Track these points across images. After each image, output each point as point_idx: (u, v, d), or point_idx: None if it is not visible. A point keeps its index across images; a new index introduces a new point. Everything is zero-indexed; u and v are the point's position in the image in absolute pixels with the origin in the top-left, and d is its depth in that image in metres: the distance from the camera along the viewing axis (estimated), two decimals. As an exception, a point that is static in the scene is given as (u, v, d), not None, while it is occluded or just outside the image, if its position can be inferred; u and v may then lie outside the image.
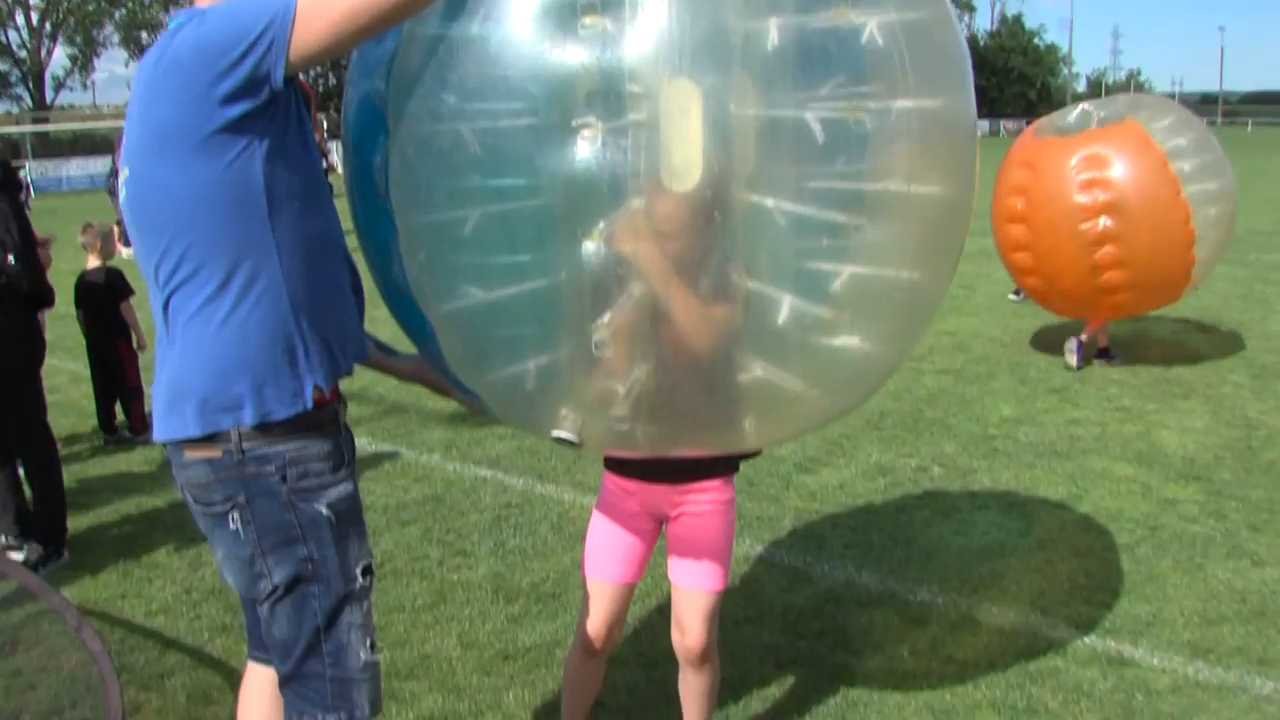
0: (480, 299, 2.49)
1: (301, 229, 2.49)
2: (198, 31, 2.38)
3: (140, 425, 7.82)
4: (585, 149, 2.30)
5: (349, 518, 2.62)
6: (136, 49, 63.93)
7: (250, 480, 2.51)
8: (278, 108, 2.43)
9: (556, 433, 2.64)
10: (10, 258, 5.41)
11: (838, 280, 2.50)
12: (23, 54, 65.10)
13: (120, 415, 7.97)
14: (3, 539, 5.56)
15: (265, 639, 2.73)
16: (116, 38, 68.21)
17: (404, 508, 6.29)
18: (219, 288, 2.43)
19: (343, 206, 2.74)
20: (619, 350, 2.45)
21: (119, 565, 5.52)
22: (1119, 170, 8.50)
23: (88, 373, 8.17)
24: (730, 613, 4.71)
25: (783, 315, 2.46)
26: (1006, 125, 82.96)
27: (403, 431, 7.89)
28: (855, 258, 2.51)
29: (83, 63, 69.45)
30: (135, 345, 7.97)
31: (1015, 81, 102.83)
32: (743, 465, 3.43)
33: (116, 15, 66.99)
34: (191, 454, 2.54)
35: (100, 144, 45.88)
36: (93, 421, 8.09)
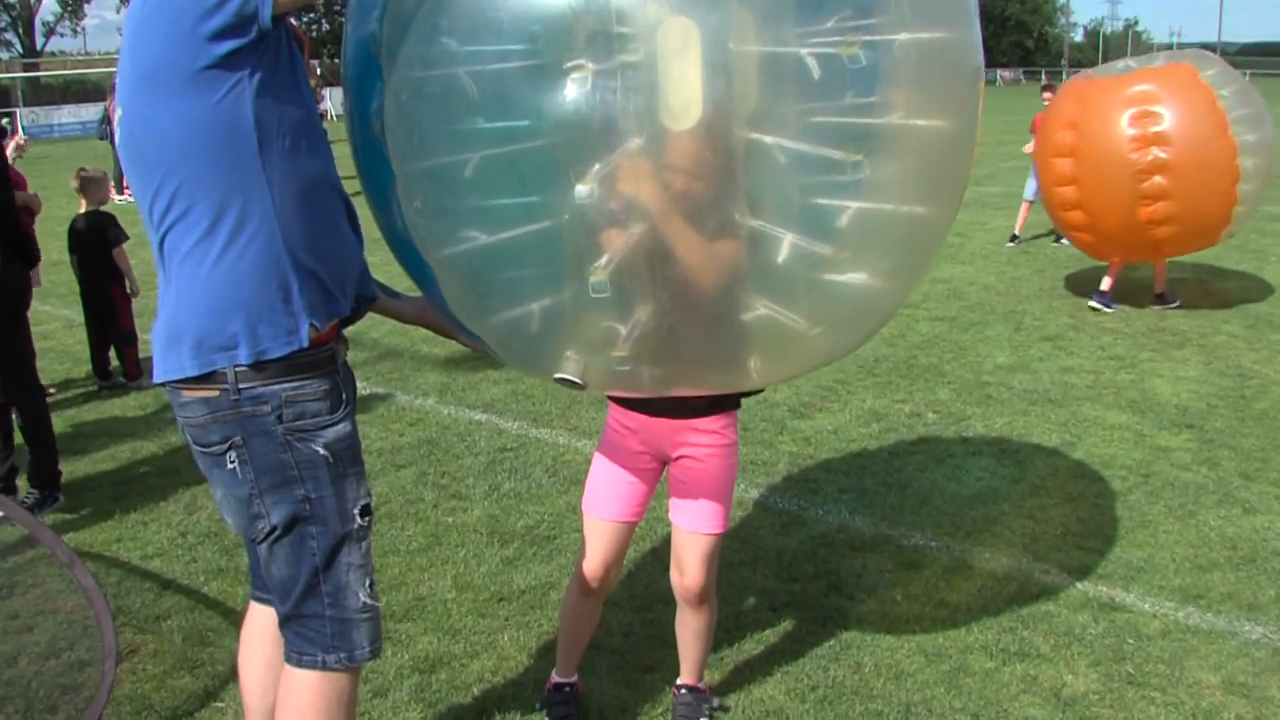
0: (478, 243, 2.48)
1: (294, 167, 2.48)
2: None
3: (134, 371, 7.81)
4: (581, 90, 2.26)
5: (347, 458, 2.62)
6: (126, -6, 63.27)
7: (247, 420, 2.51)
8: (267, 46, 2.40)
9: (559, 374, 2.63)
10: None
11: (842, 216, 2.48)
12: (12, 0, 64.43)
13: (115, 361, 7.96)
14: None
15: (265, 579, 2.74)
16: (107, -17, 67.49)
17: (399, 451, 6.30)
18: (211, 226, 2.42)
19: (344, 150, 2.73)
20: (620, 291, 2.43)
21: (114, 509, 5.53)
22: (1170, 105, 8.79)
23: (81, 319, 8.15)
24: (725, 556, 4.73)
25: (787, 252, 2.44)
26: (1003, 74, 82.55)
27: (397, 375, 7.89)
28: (859, 193, 2.48)
29: (73, 8, 68.79)
30: (129, 290, 7.94)
31: (1012, 30, 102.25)
32: (738, 410, 3.43)
33: (107, -40, 66.23)
34: (189, 394, 2.54)
35: (92, 91, 45.52)
36: (87, 367, 8.08)
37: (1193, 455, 6.14)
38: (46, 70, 56.67)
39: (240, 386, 2.48)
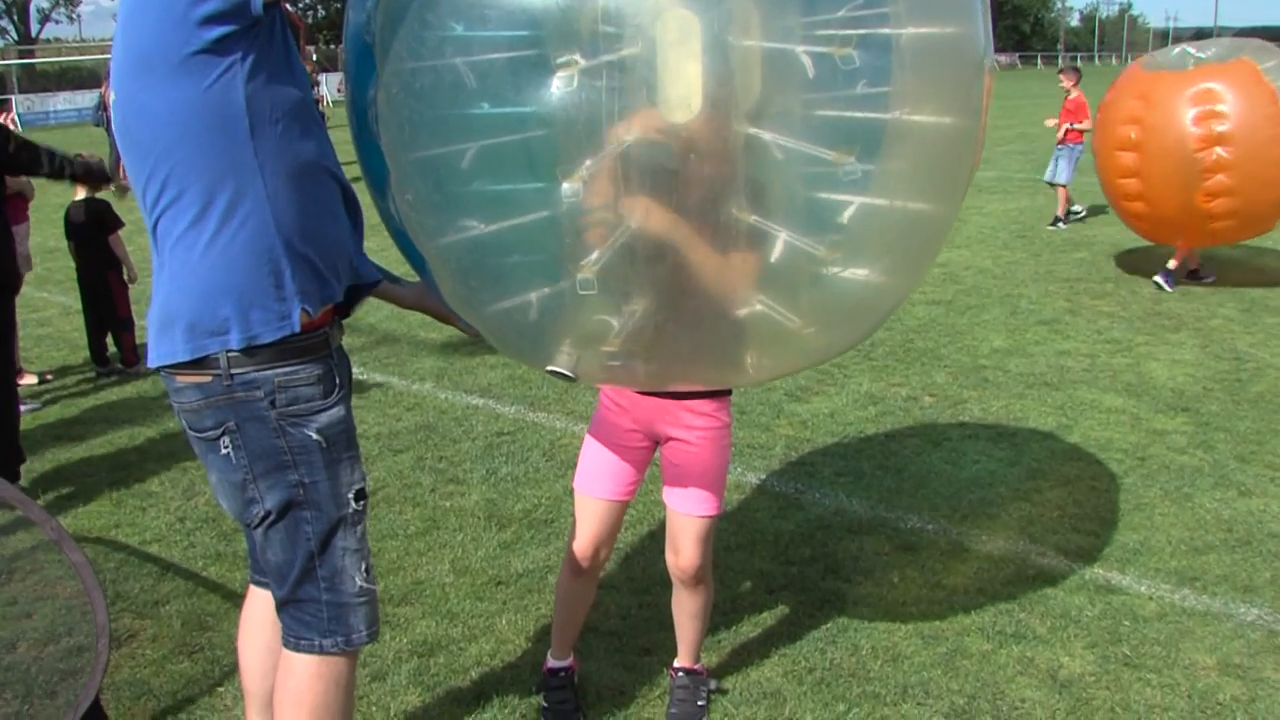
0: (468, 235, 2.46)
1: (287, 152, 2.47)
2: None
3: (132, 357, 7.80)
4: (573, 83, 2.23)
5: (341, 443, 2.62)
6: (121, -20, 62.89)
7: (240, 405, 2.51)
8: (259, 31, 2.40)
9: (552, 366, 2.63)
10: None
11: (843, 212, 2.44)
12: (8, -13, 64.24)
13: (112, 347, 7.95)
14: None
15: (261, 564, 2.75)
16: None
17: (396, 436, 6.31)
18: (202, 210, 2.42)
19: (347, 135, 2.72)
20: (611, 287, 2.42)
21: (112, 495, 5.53)
22: (1233, 104, 9.08)
23: (79, 305, 8.14)
24: (721, 539, 4.74)
25: (785, 249, 2.41)
26: (999, 59, 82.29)
27: (394, 360, 7.89)
28: (861, 189, 2.43)
29: (68, -5, 68.59)
30: (126, 277, 7.93)
31: (1008, 14, 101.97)
32: (734, 394, 3.43)
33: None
34: (183, 379, 2.54)
35: (87, 77, 45.33)
36: (84, 354, 8.07)
37: (1188, 438, 6.15)
38: (42, 57, 56.48)
39: (233, 372, 2.48)
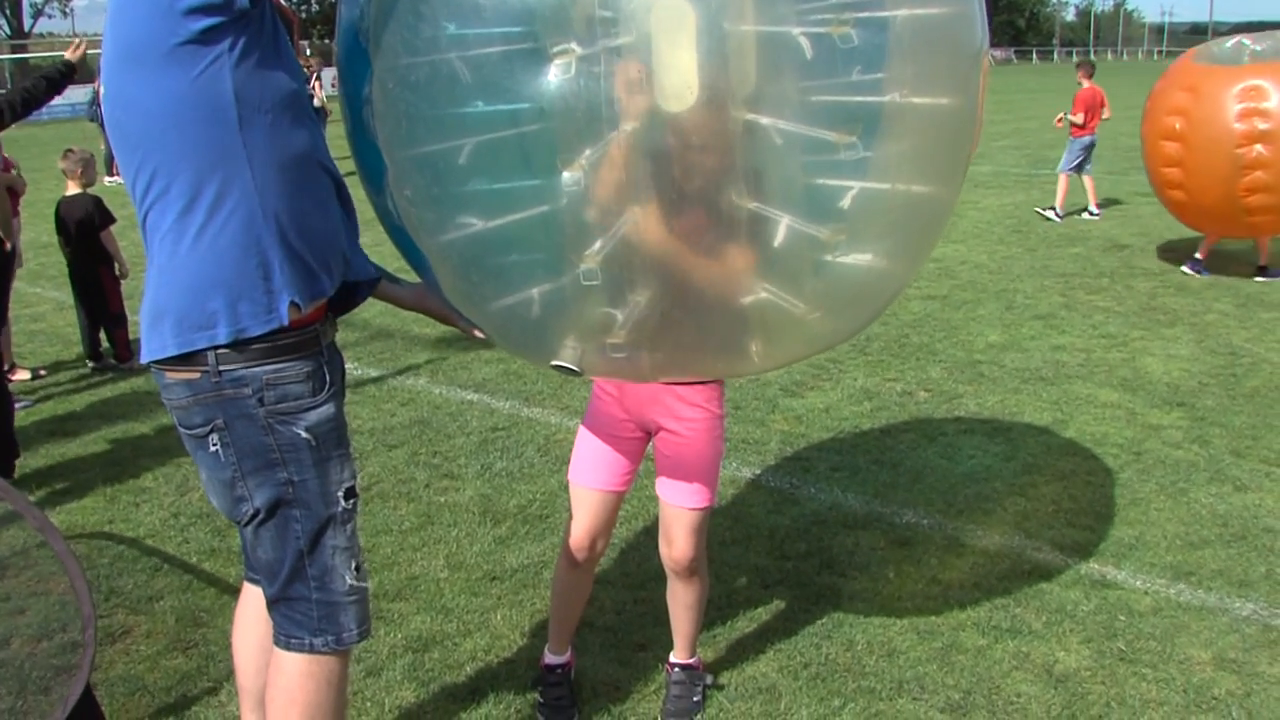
0: (469, 231, 2.45)
1: (276, 144, 2.45)
2: None
3: (125, 352, 7.79)
4: (570, 74, 2.22)
5: (331, 441, 2.60)
6: (115, -26, 62.75)
7: (228, 403, 2.49)
8: (249, 23, 2.38)
9: (556, 361, 2.62)
10: None
11: (844, 197, 2.43)
12: (0, -19, 64.09)
13: (105, 342, 7.94)
14: None
15: (252, 562, 2.74)
16: (94, -37, 67.17)
17: (390, 431, 6.29)
18: (190, 202, 2.40)
19: (340, 130, 2.71)
20: (614, 278, 2.41)
21: (106, 491, 5.52)
22: (1277, 101, 9.28)
23: (72, 300, 8.11)
24: (717, 534, 4.74)
25: (787, 235, 2.40)
26: (995, 54, 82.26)
27: (389, 356, 7.88)
28: (861, 173, 2.43)
29: (61, -11, 68.45)
30: (118, 272, 7.90)
31: (1003, 9, 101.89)
32: (728, 389, 3.41)
33: (94, -60, 65.90)
34: (172, 375, 2.52)
35: (83, 72, 45.24)
36: (78, 349, 8.06)
37: (1184, 433, 6.15)
38: (35, 52, 56.32)
39: (221, 369, 2.46)
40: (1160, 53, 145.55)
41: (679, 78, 2.23)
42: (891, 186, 2.52)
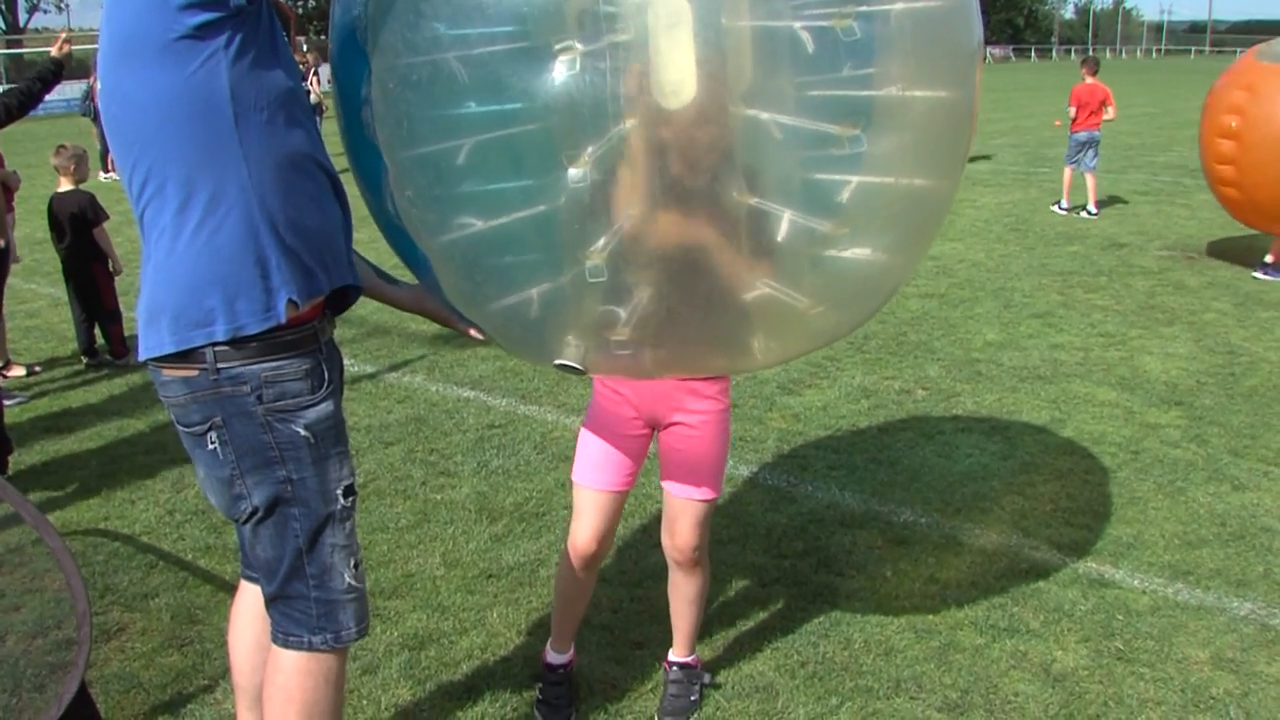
0: (472, 230, 2.44)
1: (273, 140, 2.43)
2: None
3: (120, 349, 7.78)
4: (571, 71, 2.22)
5: (329, 438, 2.59)
6: (111, -31, 62.67)
7: (226, 400, 2.48)
8: (245, 19, 2.36)
9: (560, 360, 2.61)
10: None
11: (844, 191, 2.44)
12: (-4, -24, 63.99)
13: (100, 339, 7.92)
14: None
15: (251, 560, 2.73)
16: (90, -42, 67.12)
17: (387, 428, 6.28)
18: (187, 199, 2.38)
19: (335, 127, 2.69)
20: (618, 274, 2.41)
21: (102, 487, 5.50)
22: None
23: (66, 297, 8.10)
24: (714, 532, 4.72)
25: (787, 230, 2.41)
26: (993, 52, 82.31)
27: (385, 353, 7.87)
28: (860, 167, 2.43)
29: (57, -16, 68.34)
30: (111, 269, 7.89)
31: (1002, 7, 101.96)
32: (730, 391, 3.41)
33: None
34: (170, 373, 2.51)
35: (76, 67, 45.11)
36: (73, 345, 8.04)
37: (1182, 432, 6.15)
38: (31, 47, 56.22)
39: (219, 366, 2.45)
40: (1159, 51, 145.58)
41: (676, 74, 2.24)
42: (895, 180, 2.52)
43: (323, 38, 47.64)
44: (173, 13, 2.29)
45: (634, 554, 4.65)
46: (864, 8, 2.31)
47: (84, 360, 7.83)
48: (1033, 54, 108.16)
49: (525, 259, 2.48)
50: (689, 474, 3.32)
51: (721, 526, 4.86)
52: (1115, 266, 10.61)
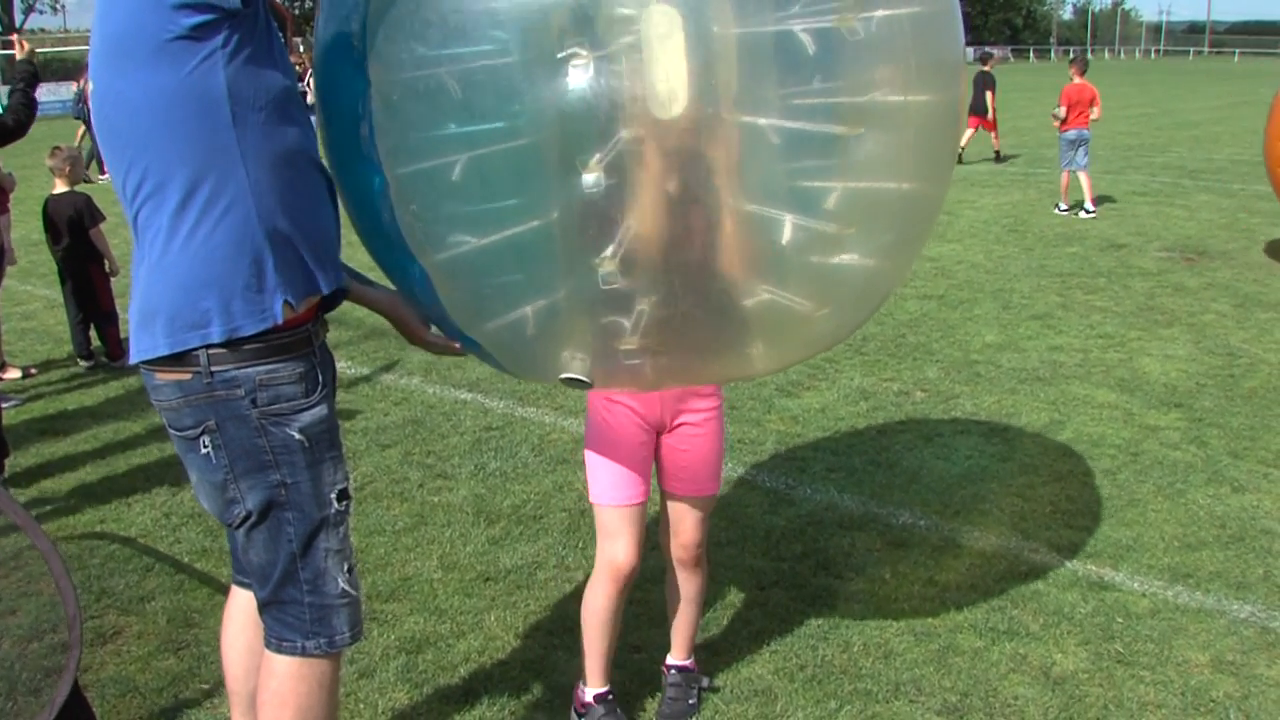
0: (476, 244, 2.45)
1: (270, 141, 2.42)
2: None
3: (116, 350, 7.76)
4: (575, 81, 2.25)
5: (324, 442, 2.58)
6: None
7: (220, 404, 2.46)
8: (242, 20, 2.35)
9: (566, 374, 2.60)
10: None
11: (835, 195, 2.47)
12: (-10, -24, 63.88)
13: (96, 341, 7.90)
14: None
15: (244, 564, 2.71)
16: (88, -42, 67.03)
17: (384, 431, 6.27)
18: (183, 201, 2.37)
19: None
20: (625, 281, 2.41)
21: (97, 490, 5.49)
22: None
23: (62, 299, 8.08)
24: (712, 535, 4.70)
25: (783, 235, 2.43)
26: (991, 53, 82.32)
27: (382, 355, 7.85)
28: (850, 171, 2.47)
29: (53, -15, 68.29)
30: (108, 270, 7.87)
31: (999, 8, 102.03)
32: (724, 389, 3.41)
33: (88, -65, 65.79)
34: (162, 376, 2.49)
35: (71, 69, 45.09)
36: (69, 347, 8.03)
37: (1181, 434, 6.13)
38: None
39: (213, 369, 2.43)
40: (1158, 52, 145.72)
41: (669, 83, 2.28)
42: (883, 184, 2.57)
43: (320, 38, 47.55)
44: (168, 12, 2.28)
45: (632, 557, 4.62)
46: (850, 13, 2.35)
47: (80, 362, 7.81)
48: (1031, 55, 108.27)
49: (533, 271, 2.50)
50: (695, 472, 3.33)
51: (720, 529, 4.84)
52: (1114, 268, 10.60)
